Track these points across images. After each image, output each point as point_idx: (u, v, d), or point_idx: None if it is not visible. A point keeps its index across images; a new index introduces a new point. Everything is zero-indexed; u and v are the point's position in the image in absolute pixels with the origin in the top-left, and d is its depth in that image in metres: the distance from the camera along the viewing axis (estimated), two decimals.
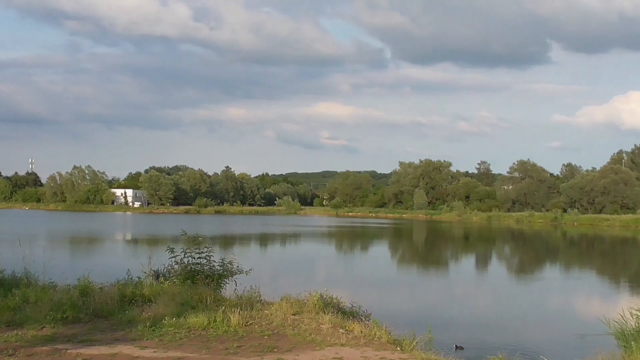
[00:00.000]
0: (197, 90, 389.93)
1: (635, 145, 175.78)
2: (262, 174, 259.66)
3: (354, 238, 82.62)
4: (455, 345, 17.53)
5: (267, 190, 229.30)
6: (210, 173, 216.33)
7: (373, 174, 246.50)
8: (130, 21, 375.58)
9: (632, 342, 14.12)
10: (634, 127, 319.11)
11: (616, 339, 15.14)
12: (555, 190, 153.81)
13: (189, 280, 17.60)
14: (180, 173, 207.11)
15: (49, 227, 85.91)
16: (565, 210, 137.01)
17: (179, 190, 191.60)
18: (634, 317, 15.19)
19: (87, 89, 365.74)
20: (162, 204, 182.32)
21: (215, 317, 14.15)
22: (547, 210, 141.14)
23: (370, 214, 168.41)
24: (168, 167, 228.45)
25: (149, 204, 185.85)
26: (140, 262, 20.09)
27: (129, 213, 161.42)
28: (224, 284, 18.40)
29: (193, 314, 14.37)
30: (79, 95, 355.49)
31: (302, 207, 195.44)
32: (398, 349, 13.12)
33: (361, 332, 13.96)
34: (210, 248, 18.58)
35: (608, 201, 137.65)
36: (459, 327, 22.57)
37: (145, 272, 18.90)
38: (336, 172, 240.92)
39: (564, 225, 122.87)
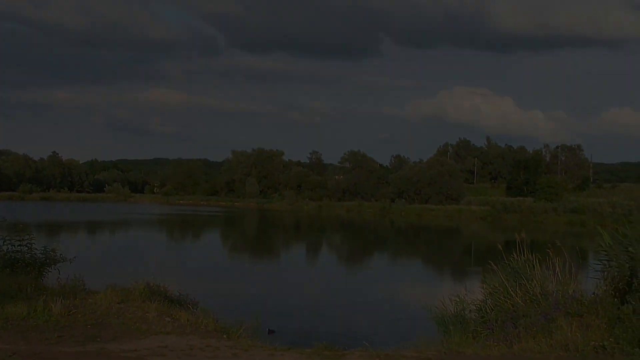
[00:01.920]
0: (20, 72, 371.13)
1: (459, 139, 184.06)
2: (91, 160, 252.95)
3: (184, 226, 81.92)
4: (268, 329, 17.66)
5: (96, 176, 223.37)
6: (36, 158, 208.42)
7: (205, 162, 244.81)
8: None
9: (451, 327, 15.07)
10: (458, 121, 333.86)
11: (437, 324, 15.97)
12: (384, 181, 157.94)
13: (7, 269, 16.94)
14: (3, 158, 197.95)
15: None
16: (393, 201, 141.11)
17: (1, 176, 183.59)
18: (453, 303, 16.11)
19: None
20: None
21: (35, 306, 13.63)
22: (376, 200, 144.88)
23: (201, 202, 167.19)
24: None
25: None
26: None
27: None
28: (46, 272, 17.84)
29: (11, 303, 13.80)
30: None
31: (133, 194, 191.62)
32: (224, 336, 13.14)
33: (188, 320, 13.89)
34: (32, 235, 17.95)
35: (434, 192, 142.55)
36: (287, 314, 22.83)
37: None
38: (168, 159, 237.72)
39: (392, 215, 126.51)
